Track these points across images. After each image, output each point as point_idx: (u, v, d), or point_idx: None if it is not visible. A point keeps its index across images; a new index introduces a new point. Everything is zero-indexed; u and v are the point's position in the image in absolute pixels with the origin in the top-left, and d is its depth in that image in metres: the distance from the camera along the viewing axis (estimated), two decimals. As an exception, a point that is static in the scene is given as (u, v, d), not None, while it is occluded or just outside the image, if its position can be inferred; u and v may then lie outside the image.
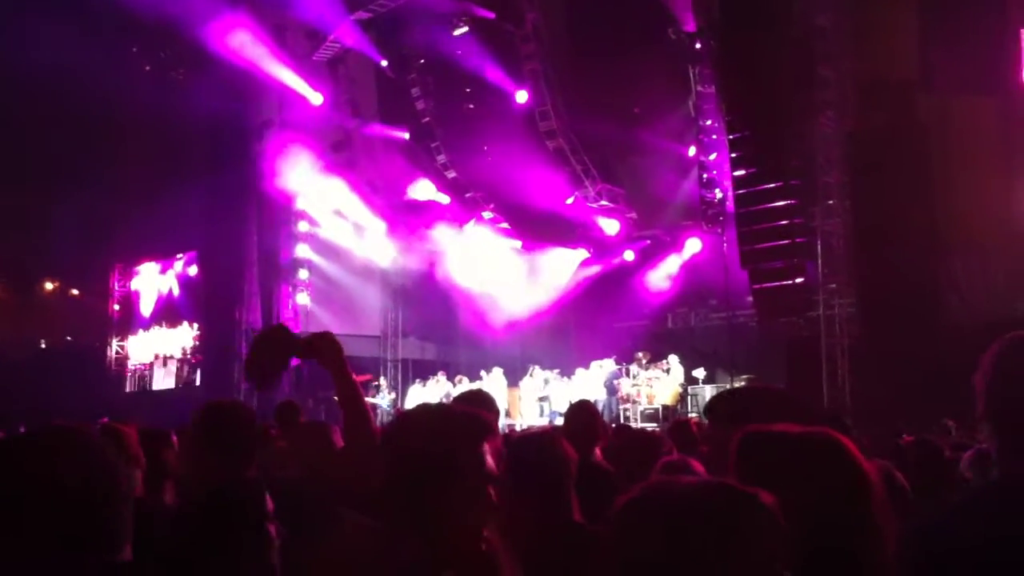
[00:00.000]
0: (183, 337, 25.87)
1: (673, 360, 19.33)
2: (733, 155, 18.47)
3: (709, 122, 19.98)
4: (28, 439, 2.07)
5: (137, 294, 27.72)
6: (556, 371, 20.68)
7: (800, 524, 1.82)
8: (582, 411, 5.70)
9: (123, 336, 27.94)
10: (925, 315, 15.22)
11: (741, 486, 1.58)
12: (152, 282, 27.37)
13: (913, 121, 15.85)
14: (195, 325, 25.45)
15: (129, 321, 27.83)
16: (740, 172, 18.43)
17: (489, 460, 2.13)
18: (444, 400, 19.75)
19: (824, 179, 17.33)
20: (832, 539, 1.87)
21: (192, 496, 3.32)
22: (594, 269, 23.46)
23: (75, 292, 29.72)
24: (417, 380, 22.76)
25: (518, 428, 16.18)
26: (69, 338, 29.80)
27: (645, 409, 18.91)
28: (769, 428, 2.07)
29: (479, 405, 3.93)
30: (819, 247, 17.17)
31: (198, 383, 24.44)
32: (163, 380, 26.19)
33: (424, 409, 2.41)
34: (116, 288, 28.04)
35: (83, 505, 1.96)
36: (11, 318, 28.23)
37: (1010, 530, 1.95)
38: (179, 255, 26.41)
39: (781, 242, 17.69)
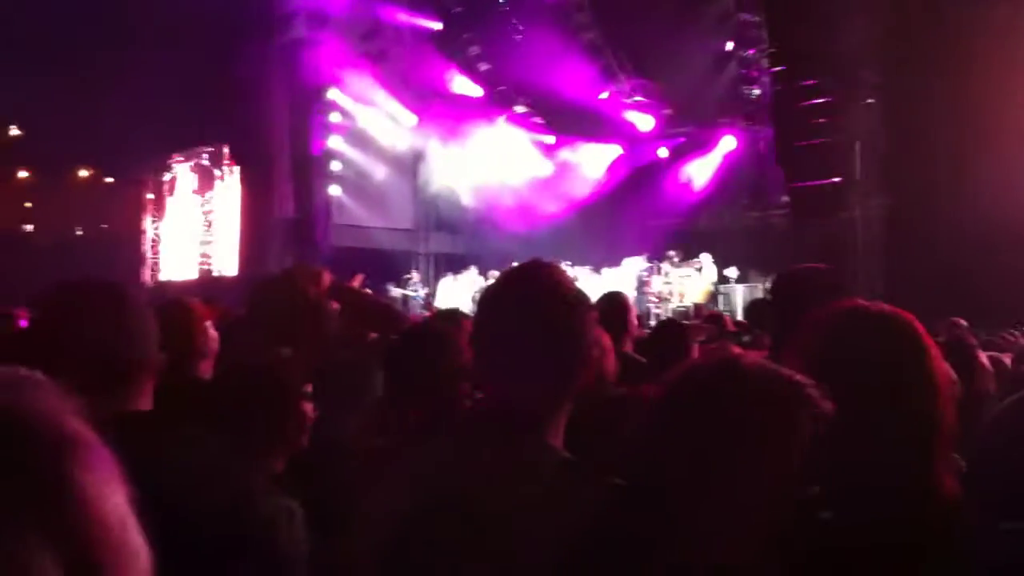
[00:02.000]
0: (217, 226, 25.94)
1: (705, 259, 19.25)
2: (771, 50, 18.10)
3: (747, 16, 19.53)
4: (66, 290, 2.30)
5: (171, 183, 27.77)
6: (587, 267, 20.66)
7: (867, 387, 1.84)
8: (614, 302, 5.66)
9: (157, 224, 28.11)
10: (962, 215, 15.00)
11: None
12: (184, 171, 27.39)
13: (951, 18, 15.37)
14: (229, 215, 25.48)
15: (163, 209, 27.95)
16: (778, 68, 18.10)
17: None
18: (476, 295, 19.89)
19: (863, 75, 16.94)
20: (896, 402, 1.88)
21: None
22: (627, 165, 23.25)
23: (109, 180, 29.86)
24: (449, 273, 22.84)
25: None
26: (104, 226, 30.03)
27: (677, 307, 18.93)
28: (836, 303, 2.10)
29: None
30: (857, 146, 16.90)
31: (235, 273, 24.52)
32: (196, 270, 26.37)
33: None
34: (150, 176, 28.08)
35: (102, 352, 2.08)
36: (46, 206, 28.48)
37: None
38: (209, 146, 26.33)
39: (818, 140, 17.46)
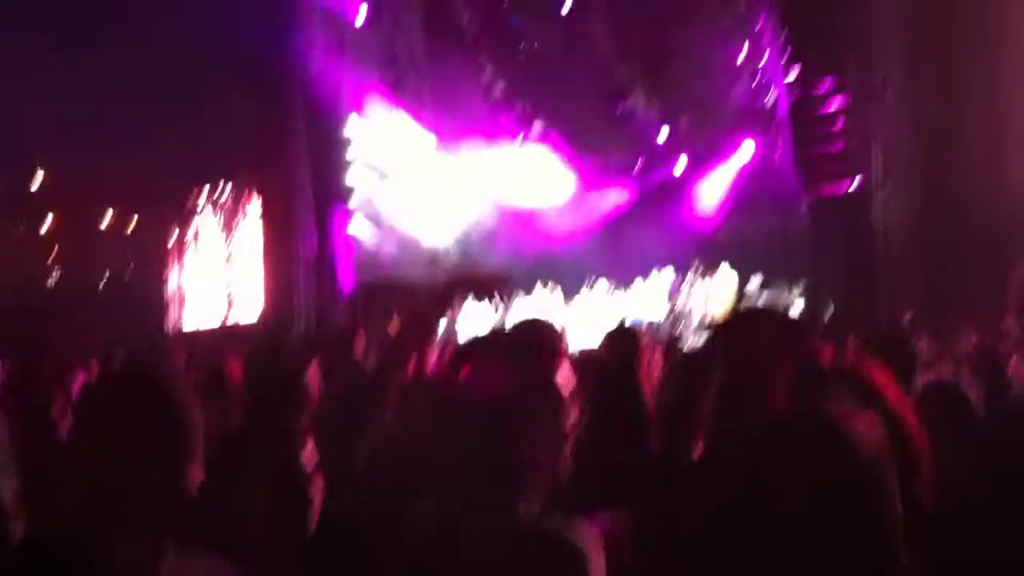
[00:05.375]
0: (241, 270, 26.04)
1: (726, 269, 19.23)
2: (785, 55, 18.04)
3: (760, 23, 19.47)
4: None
5: (196, 224, 27.95)
6: (615, 282, 20.74)
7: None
8: (621, 338, 5.69)
9: (182, 268, 28.27)
10: (988, 216, 14.84)
11: None
12: (207, 213, 27.58)
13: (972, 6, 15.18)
14: (252, 257, 25.56)
15: (185, 256, 28.09)
16: (793, 73, 18.03)
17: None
18: (501, 316, 19.93)
19: (882, 73, 16.78)
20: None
21: None
22: (647, 176, 23.22)
23: (134, 222, 30.06)
24: (471, 296, 22.78)
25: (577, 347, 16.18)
26: (131, 265, 30.18)
27: (702, 320, 18.91)
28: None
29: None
30: (877, 148, 16.74)
31: (256, 318, 24.57)
32: (224, 314, 26.41)
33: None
34: (174, 218, 28.29)
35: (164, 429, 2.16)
36: (69, 253, 28.71)
37: None
38: (231, 182, 26.50)
39: (837, 145, 17.36)
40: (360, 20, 23.47)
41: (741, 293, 19.07)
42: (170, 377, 2.27)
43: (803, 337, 2.84)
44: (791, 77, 17.76)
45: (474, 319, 21.32)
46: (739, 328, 3.14)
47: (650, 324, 18.88)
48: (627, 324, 6.44)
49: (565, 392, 2.15)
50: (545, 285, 21.15)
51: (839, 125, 17.11)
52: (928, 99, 15.79)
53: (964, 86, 15.24)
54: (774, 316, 3.46)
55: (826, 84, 17.73)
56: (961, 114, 15.29)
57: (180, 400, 2.20)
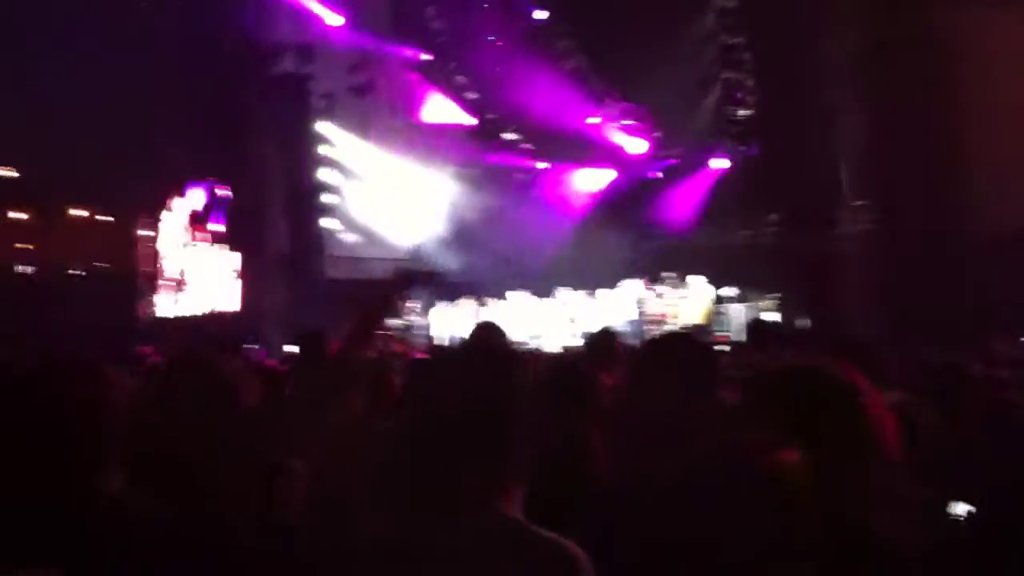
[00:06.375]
0: (213, 263, 25.92)
1: (697, 280, 19.36)
2: (757, 72, 18.27)
3: (730, 38, 19.73)
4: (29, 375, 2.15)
5: (166, 220, 27.77)
6: (583, 291, 20.79)
7: None
8: (602, 338, 5.85)
9: (153, 264, 28.09)
10: (950, 231, 15.10)
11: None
12: (179, 208, 27.42)
13: (931, 36, 15.49)
14: (224, 251, 25.45)
15: (159, 246, 27.93)
16: (764, 89, 18.27)
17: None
18: (472, 321, 19.96)
19: (849, 91, 17.07)
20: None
21: None
22: (620, 188, 23.37)
23: (102, 218, 29.83)
24: (442, 301, 22.87)
25: (545, 349, 16.28)
26: (97, 264, 29.91)
27: (676, 329, 18.95)
28: None
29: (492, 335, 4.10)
30: (843, 162, 17.00)
31: (235, 310, 24.43)
32: (193, 307, 26.30)
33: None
34: (145, 213, 28.07)
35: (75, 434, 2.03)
36: (40, 244, 28.42)
37: None
38: (204, 183, 26.37)
39: (806, 158, 17.59)
40: (335, 22, 23.48)
41: (716, 303, 19.20)
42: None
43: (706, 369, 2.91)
44: (763, 90, 18.01)
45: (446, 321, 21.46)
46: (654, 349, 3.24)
47: (627, 326, 19.02)
48: (606, 328, 6.54)
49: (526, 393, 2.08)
50: (516, 290, 21.21)
51: (807, 139, 17.33)
52: (895, 115, 16.04)
53: (928, 113, 15.51)
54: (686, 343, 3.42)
55: (792, 103, 17.96)
56: (926, 140, 15.54)
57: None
